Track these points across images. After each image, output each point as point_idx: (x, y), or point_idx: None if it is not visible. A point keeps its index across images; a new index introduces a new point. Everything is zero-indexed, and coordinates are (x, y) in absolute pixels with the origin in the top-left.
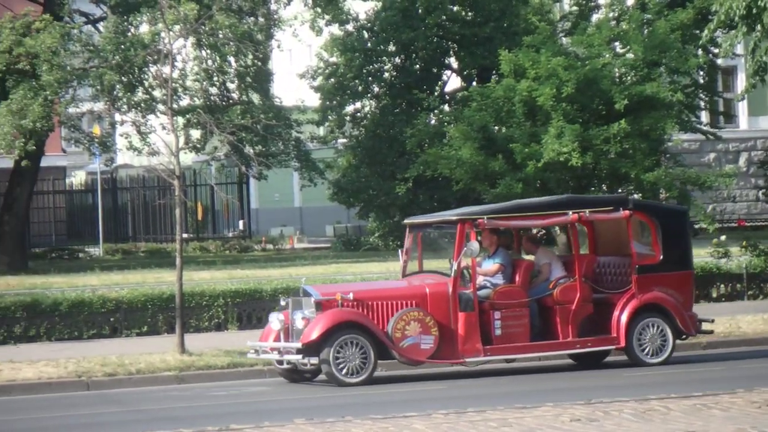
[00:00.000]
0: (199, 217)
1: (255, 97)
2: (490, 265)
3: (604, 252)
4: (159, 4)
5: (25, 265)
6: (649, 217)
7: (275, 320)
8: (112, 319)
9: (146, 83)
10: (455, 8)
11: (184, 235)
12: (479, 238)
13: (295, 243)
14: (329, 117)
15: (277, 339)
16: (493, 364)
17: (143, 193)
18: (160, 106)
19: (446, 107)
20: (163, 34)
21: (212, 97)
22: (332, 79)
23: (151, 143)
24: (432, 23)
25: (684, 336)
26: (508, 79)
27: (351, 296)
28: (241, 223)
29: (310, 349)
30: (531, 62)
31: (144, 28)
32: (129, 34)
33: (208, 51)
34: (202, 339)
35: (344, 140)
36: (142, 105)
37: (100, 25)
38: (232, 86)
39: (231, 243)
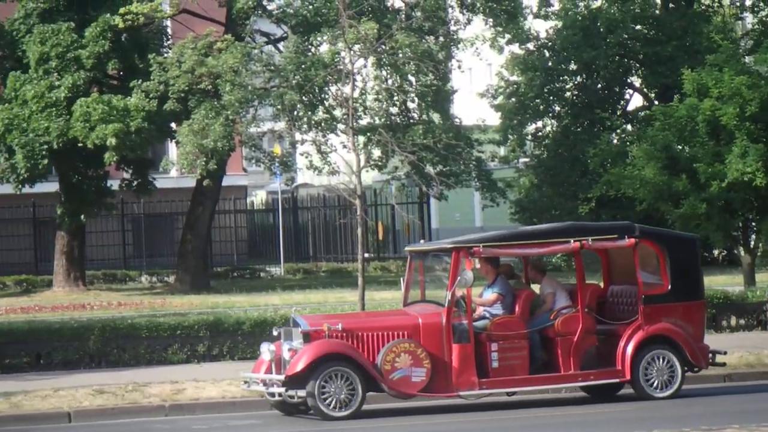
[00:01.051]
0: (380, 236)
1: (435, 117)
2: (489, 294)
3: (620, 281)
4: (339, 24)
5: (207, 284)
6: (656, 245)
7: (266, 351)
8: None
9: (327, 103)
10: (637, 27)
11: (366, 255)
12: (477, 266)
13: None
14: (510, 136)
15: (268, 370)
16: (496, 396)
17: (324, 212)
18: (341, 126)
19: (629, 126)
20: (343, 54)
21: (393, 117)
22: (513, 99)
23: (332, 162)
24: (614, 42)
25: (696, 369)
26: (691, 99)
27: (339, 327)
28: (421, 242)
29: (296, 381)
30: (714, 81)
31: (324, 48)
32: (309, 53)
33: (389, 70)
34: None
35: (525, 159)
36: (323, 124)
37: (281, 45)
38: (412, 105)
39: None
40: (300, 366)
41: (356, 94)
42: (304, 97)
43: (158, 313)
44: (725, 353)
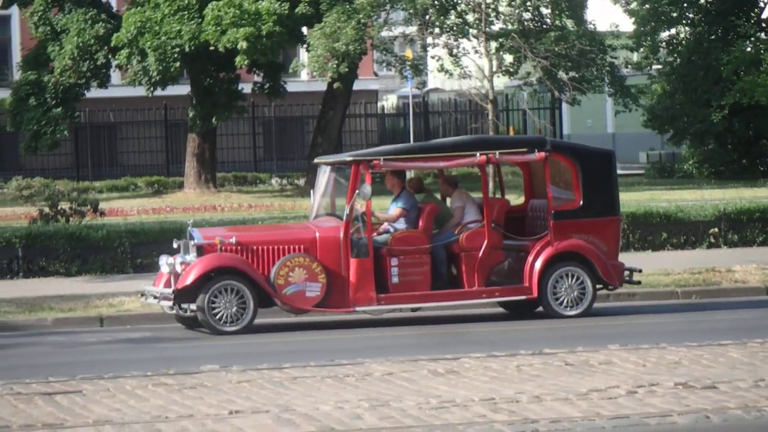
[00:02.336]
0: None
1: (569, 23)
2: (393, 209)
3: (540, 196)
4: None
5: None
6: (568, 158)
7: (164, 264)
8: None
9: (459, 8)
10: None
11: None
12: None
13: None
14: (643, 43)
15: (166, 284)
16: (403, 313)
17: (455, 117)
18: (473, 31)
19: (763, 35)
20: None
21: (526, 22)
22: (647, 5)
23: (464, 66)
24: None
25: (610, 287)
26: None
27: (233, 240)
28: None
29: (186, 295)
30: None
31: None
32: None
33: None
34: None
35: (658, 66)
36: (455, 29)
37: None
38: (545, 11)
39: None
40: (189, 280)
41: None
42: (436, 1)
43: (288, 215)
44: (640, 271)
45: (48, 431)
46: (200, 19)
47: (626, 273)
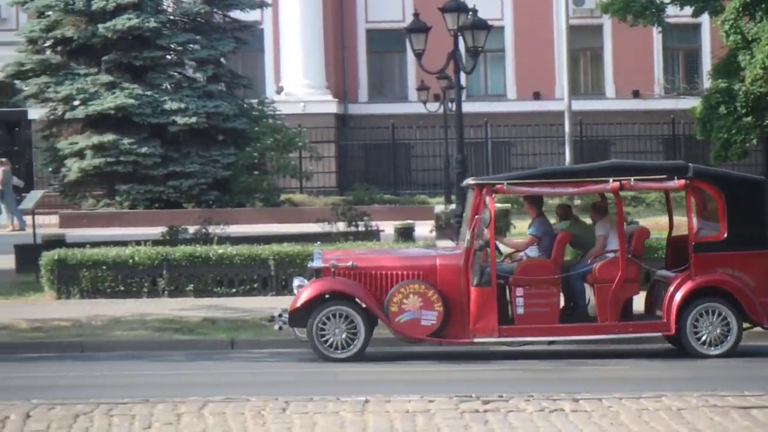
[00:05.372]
0: None
1: None
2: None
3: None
4: None
5: None
6: (713, 187)
7: (294, 286)
8: None
9: None
10: None
11: None
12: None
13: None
14: None
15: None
16: (535, 347)
17: None
18: None
19: None
20: None
21: None
22: None
23: None
24: None
25: (764, 327)
26: None
27: (350, 264)
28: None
29: (297, 319)
30: None
31: None
32: None
33: None
34: None
35: None
36: None
37: None
38: None
39: None
40: (298, 303)
41: None
42: None
43: None
44: None
45: None
46: None
47: None
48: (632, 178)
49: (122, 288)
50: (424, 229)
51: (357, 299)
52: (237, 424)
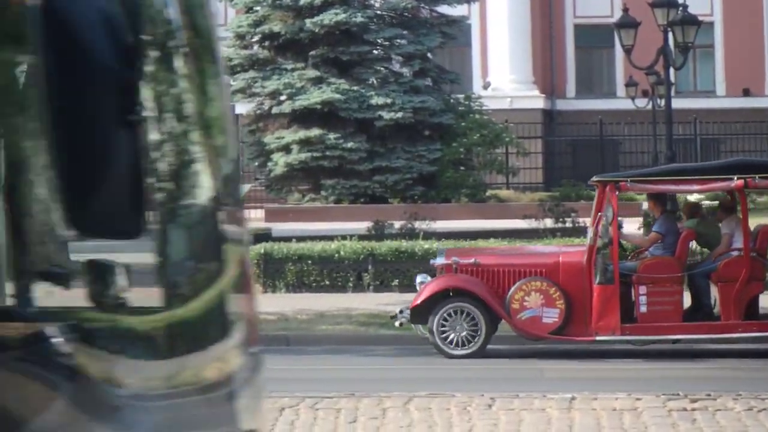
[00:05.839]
0: None
1: None
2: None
3: None
4: None
5: None
6: None
7: (417, 282)
8: None
9: None
10: None
11: None
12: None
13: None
14: None
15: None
16: (659, 345)
17: None
18: None
19: None
20: None
21: None
22: None
23: None
24: None
25: None
26: None
27: (473, 261)
28: None
29: (418, 315)
30: None
31: None
32: None
33: None
34: None
35: None
36: None
37: None
38: None
39: None
40: (419, 300)
41: None
42: None
43: None
44: None
45: None
46: None
47: None
48: (756, 176)
49: (327, 282)
50: (631, 226)
51: (478, 296)
52: (443, 420)
